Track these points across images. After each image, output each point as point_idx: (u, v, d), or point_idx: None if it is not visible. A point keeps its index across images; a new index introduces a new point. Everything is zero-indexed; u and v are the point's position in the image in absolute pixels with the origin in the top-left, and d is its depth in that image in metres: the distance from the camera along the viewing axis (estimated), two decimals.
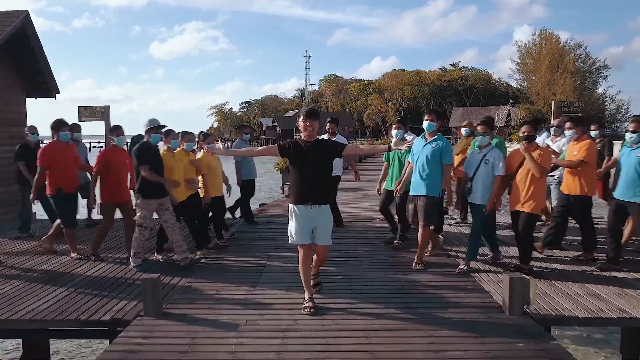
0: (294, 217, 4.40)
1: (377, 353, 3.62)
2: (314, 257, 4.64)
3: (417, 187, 5.75)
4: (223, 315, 4.36)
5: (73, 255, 6.34)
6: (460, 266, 5.67)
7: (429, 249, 6.26)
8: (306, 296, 4.50)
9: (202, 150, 6.63)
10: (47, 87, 11.23)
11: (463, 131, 7.95)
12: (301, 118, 4.40)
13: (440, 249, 6.52)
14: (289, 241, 4.50)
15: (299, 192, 4.36)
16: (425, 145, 5.76)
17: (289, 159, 4.46)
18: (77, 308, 4.55)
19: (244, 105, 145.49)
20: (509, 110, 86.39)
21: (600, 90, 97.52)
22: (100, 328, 4.51)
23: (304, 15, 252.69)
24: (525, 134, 5.40)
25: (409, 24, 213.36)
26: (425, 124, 5.82)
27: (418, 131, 6.51)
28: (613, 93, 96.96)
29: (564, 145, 6.70)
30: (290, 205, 4.45)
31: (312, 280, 4.67)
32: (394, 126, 6.52)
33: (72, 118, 6.55)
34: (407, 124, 6.83)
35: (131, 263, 5.83)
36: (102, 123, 9.47)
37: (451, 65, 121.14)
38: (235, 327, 4.11)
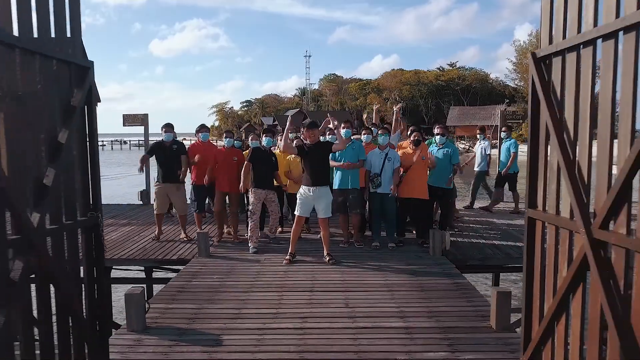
0: (300, 196, 6.58)
1: (346, 276, 6.02)
2: (321, 233, 6.56)
3: (347, 183, 7.09)
4: (249, 255, 6.79)
5: (182, 236, 7.76)
6: (389, 244, 7.21)
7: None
8: (289, 251, 6.60)
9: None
10: None
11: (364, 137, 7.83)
12: (305, 129, 6.59)
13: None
14: (294, 212, 6.80)
15: (306, 178, 6.53)
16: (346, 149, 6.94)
17: (300, 156, 6.64)
18: (154, 253, 6.99)
19: (245, 104, 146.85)
20: (505, 109, 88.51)
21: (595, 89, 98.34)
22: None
23: (304, 13, 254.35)
24: (416, 138, 7.18)
25: (410, 21, 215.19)
26: (343, 131, 6.99)
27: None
28: None
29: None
30: (301, 187, 6.64)
31: (327, 257, 6.48)
32: (342, 125, 7.23)
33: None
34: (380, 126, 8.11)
35: (250, 249, 7.03)
36: (142, 127, 11.86)
37: (449, 65, 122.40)
38: (257, 261, 6.54)
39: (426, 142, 8.02)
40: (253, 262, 6.51)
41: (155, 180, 7.68)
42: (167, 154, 7.45)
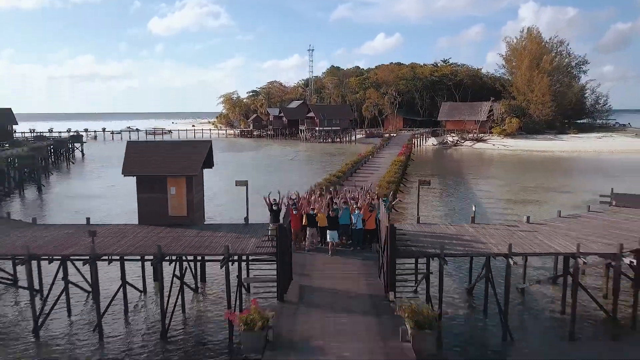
0: (328, 233, 17.27)
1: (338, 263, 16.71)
2: (329, 245, 17.22)
3: (342, 221, 17.48)
4: (308, 253, 17.48)
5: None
6: (357, 247, 17.86)
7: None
8: (329, 248, 17.58)
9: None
10: (209, 164, 23.81)
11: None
12: (331, 211, 17.44)
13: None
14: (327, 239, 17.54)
15: (330, 226, 17.25)
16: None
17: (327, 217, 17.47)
18: None
19: (251, 93, 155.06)
20: (491, 105, 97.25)
21: (582, 81, 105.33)
22: None
23: None
24: (372, 209, 17.82)
25: None
26: (345, 208, 18.16)
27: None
28: (594, 85, 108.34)
29: None
30: (327, 230, 17.33)
31: (330, 251, 17.26)
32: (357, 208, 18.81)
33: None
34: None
35: (306, 251, 17.72)
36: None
37: (442, 61, 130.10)
38: (312, 256, 17.22)
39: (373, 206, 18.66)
40: (313, 257, 17.12)
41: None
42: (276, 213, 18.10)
